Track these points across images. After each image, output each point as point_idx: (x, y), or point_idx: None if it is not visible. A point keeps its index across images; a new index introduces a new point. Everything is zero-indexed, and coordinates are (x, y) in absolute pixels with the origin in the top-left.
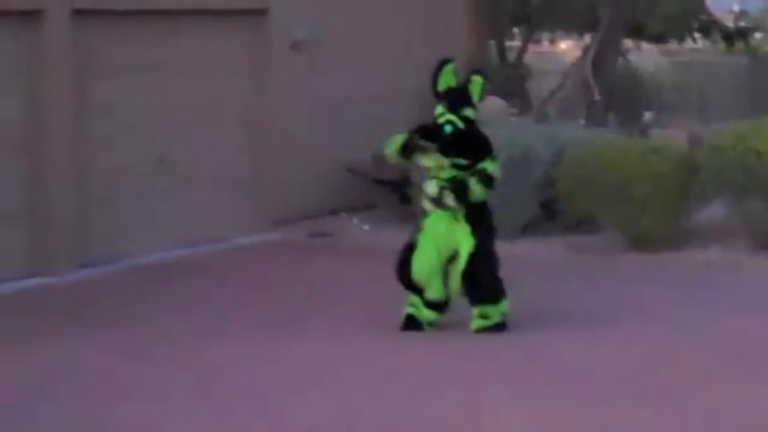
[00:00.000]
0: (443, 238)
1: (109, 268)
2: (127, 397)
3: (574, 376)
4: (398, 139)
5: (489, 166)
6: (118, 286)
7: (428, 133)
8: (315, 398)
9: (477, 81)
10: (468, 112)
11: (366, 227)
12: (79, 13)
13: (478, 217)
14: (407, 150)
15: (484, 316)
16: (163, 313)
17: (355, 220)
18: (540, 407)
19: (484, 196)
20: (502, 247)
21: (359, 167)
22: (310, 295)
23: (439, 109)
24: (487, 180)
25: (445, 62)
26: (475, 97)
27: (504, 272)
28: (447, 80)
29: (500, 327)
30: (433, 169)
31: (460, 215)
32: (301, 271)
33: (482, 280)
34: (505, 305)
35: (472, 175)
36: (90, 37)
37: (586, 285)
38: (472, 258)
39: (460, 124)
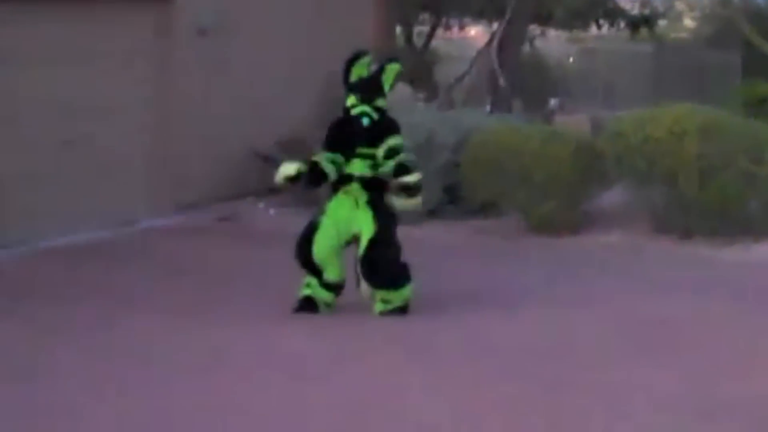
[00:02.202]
0: (344, 221)
1: (13, 252)
2: (25, 381)
3: (475, 355)
4: (289, 169)
5: (393, 141)
6: (21, 270)
7: (343, 127)
8: (210, 383)
9: (392, 68)
10: (380, 102)
11: (272, 211)
12: None
13: (380, 203)
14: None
15: (385, 301)
16: (67, 296)
17: (262, 205)
18: (437, 385)
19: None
20: (406, 231)
21: (266, 152)
22: (215, 279)
23: (352, 99)
24: (399, 163)
25: (359, 55)
26: (386, 86)
27: (409, 255)
28: (359, 71)
29: (402, 310)
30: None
31: (363, 200)
32: (206, 254)
33: (383, 266)
34: (407, 291)
35: (389, 156)
36: None
37: (488, 267)
38: (373, 243)
39: (375, 115)
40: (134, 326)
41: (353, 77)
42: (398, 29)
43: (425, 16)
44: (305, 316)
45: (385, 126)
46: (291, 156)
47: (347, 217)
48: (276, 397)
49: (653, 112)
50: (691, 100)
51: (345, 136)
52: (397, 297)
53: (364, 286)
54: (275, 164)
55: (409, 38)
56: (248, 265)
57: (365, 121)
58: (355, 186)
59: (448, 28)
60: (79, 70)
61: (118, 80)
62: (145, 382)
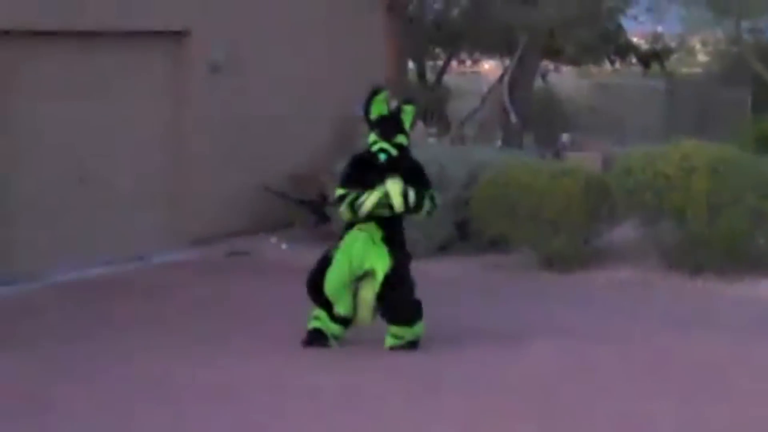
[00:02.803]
0: (358, 256)
1: (28, 287)
2: (44, 412)
3: (486, 391)
4: (345, 209)
5: (437, 195)
6: (36, 305)
7: (364, 163)
8: (226, 415)
9: (409, 110)
10: (401, 139)
11: (284, 246)
12: (1, 33)
13: (396, 240)
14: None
15: (397, 336)
16: (82, 331)
17: (273, 239)
18: (447, 420)
19: (425, 217)
20: (417, 267)
21: (277, 187)
22: (227, 314)
23: (372, 137)
24: (434, 205)
25: (376, 91)
26: (407, 125)
27: (419, 290)
28: (379, 108)
29: (412, 345)
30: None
31: (378, 237)
32: (220, 288)
33: (397, 302)
34: (419, 328)
35: (427, 194)
36: (11, 56)
37: (499, 303)
38: (388, 279)
39: (394, 152)
40: (149, 360)
41: (373, 114)
42: (411, 64)
43: (438, 50)
44: (317, 349)
45: (411, 168)
46: (303, 191)
47: (361, 253)
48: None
49: (663, 148)
50: (701, 135)
51: (362, 173)
52: (409, 333)
53: (363, 315)
54: (287, 199)
55: (421, 73)
56: (261, 298)
57: (382, 156)
58: (371, 223)
59: (461, 62)
60: (93, 105)
61: (133, 115)
62: (161, 415)
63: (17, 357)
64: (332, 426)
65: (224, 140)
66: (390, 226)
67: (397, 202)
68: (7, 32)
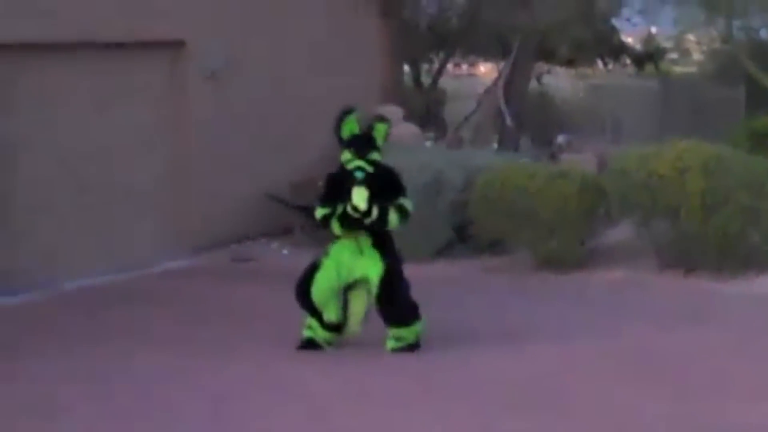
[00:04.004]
0: (346, 264)
1: (33, 295)
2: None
3: (485, 390)
4: (336, 226)
5: (406, 202)
6: (41, 312)
7: (338, 182)
8: (232, 419)
9: (380, 128)
10: (374, 155)
11: (285, 251)
12: (3, 46)
13: (385, 246)
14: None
15: (397, 338)
16: (87, 337)
17: (275, 245)
18: (449, 421)
19: (396, 226)
20: (416, 269)
21: (278, 194)
22: (230, 318)
23: (346, 155)
24: (404, 214)
25: (347, 111)
26: (379, 141)
27: (418, 292)
28: (351, 127)
29: (413, 347)
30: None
31: (367, 244)
32: (222, 294)
33: (394, 304)
34: (418, 327)
35: (392, 206)
36: (12, 68)
37: (495, 304)
38: (383, 282)
39: (369, 168)
40: (152, 365)
41: (345, 134)
42: (406, 68)
43: (433, 54)
44: (318, 353)
45: (388, 180)
46: (302, 198)
47: (350, 261)
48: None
49: (656, 148)
50: (696, 134)
51: (338, 191)
52: (409, 333)
53: (353, 329)
54: (288, 206)
55: (417, 77)
56: (262, 304)
57: (359, 174)
58: (361, 232)
59: (457, 65)
60: (93, 115)
61: (131, 124)
62: (162, 419)
63: (24, 364)
64: (332, 427)
65: (225, 148)
66: (378, 233)
67: (359, 201)
68: (7, 45)
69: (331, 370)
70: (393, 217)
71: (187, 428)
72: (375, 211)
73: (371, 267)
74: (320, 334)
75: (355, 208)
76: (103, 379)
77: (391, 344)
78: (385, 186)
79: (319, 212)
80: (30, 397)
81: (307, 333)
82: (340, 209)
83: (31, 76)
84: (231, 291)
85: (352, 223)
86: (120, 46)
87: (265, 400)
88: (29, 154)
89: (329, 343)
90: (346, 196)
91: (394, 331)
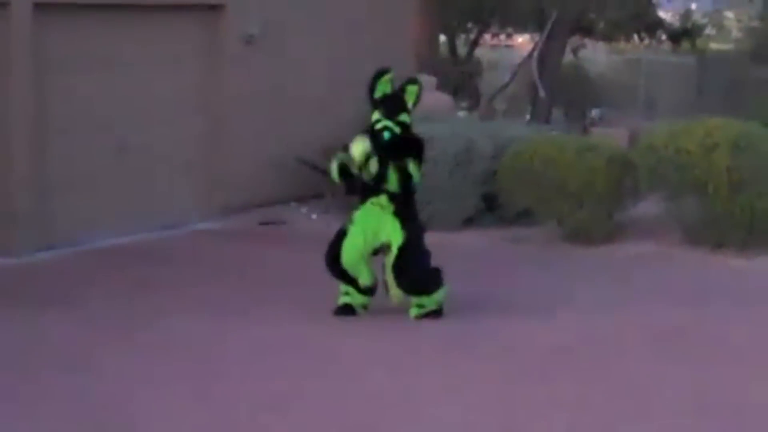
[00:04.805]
0: (372, 229)
1: (66, 252)
2: (80, 372)
3: (510, 357)
4: (334, 169)
5: (413, 168)
6: (75, 269)
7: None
8: (258, 379)
9: (412, 90)
10: (403, 117)
11: (314, 216)
12: (40, 7)
13: (406, 213)
14: (345, 173)
15: (420, 305)
16: (116, 294)
17: (304, 209)
18: (474, 387)
19: (396, 188)
20: (444, 238)
21: (309, 158)
22: (257, 279)
23: (376, 115)
24: (406, 177)
25: (382, 72)
26: (410, 104)
27: (445, 260)
28: (383, 88)
29: (436, 313)
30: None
31: (389, 210)
32: (251, 257)
33: (414, 272)
34: (440, 295)
35: (394, 165)
36: (50, 29)
37: (521, 274)
38: (402, 251)
39: (397, 129)
40: (182, 323)
41: (377, 93)
42: (443, 38)
43: (470, 25)
44: (349, 319)
45: (410, 144)
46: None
47: (375, 226)
48: (309, 391)
49: (686, 124)
50: (730, 112)
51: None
52: (430, 301)
53: (394, 291)
54: (319, 170)
55: (452, 47)
56: (289, 266)
57: (386, 135)
58: (383, 197)
59: (494, 35)
60: (131, 76)
61: (168, 87)
62: (196, 372)
63: (56, 316)
64: (365, 389)
65: (258, 112)
66: (400, 200)
67: (355, 150)
68: (46, 5)
69: (352, 334)
70: (393, 177)
71: (215, 380)
72: (373, 166)
73: (393, 233)
74: (357, 300)
75: (350, 156)
76: (133, 332)
77: (414, 312)
78: (408, 149)
79: (334, 163)
80: (62, 351)
81: (344, 299)
82: (342, 157)
83: (68, 36)
84: (259, 252)
85: (350, 176)
86: (160, 8)
87: (288, 357)
88: (65, 115)
89: (365, 307)
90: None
91: (415, 299)
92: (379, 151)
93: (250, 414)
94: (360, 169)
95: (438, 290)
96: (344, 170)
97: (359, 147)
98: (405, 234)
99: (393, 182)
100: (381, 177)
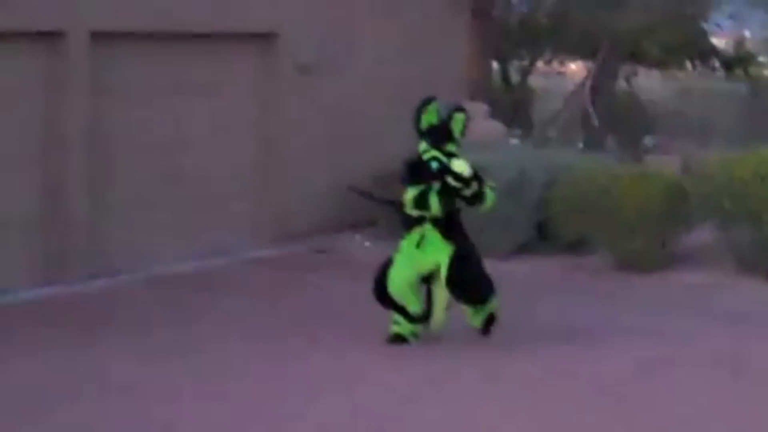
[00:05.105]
0: (417, 255)
1: (120, 280)
2: (138, 398)
3: (562, 388)
4: (434, 201)
5: (489, 190)
6: (131, 297)
7: (420, 168)
8: (317, 410)
9: (459, 119)
10: (451, 147)
11: (368, 244)
12: (97, 35)
13: (452, 231)
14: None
15: (476, 313)
16: (172, 322)
17: (358, 237)
18: (528, 418)
19: (491, 207)
20: (497, 266)
21: (362, 187)
22: (310, 308)
23: (423, 145)
24: (492, 196)
25: (427, 101)
26: (456, 133)
27: (498, 289)
28: (429, 118)
29: (491, 320)
30: None
31: (435, 236)
32: (304, 285)
33: (468, 280)
34: (494, 303)
35: (486, 184)
36: (107, 57)
37: (573, 303)
38: (454, 262)
39: (445, 160)
40: (236, 351)
41: (423, 124)
42: (495, 65)
43: (523, 53)
44: (397, 347)
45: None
46: (387, 191)
47: (420, 252)
48: (367, 418)
49: (740, 154)
50: None
51: (419, 177)
52: (485, 309)
53: (437, 316)
54: (372, 199)
55: (505, 75)
56: (342, 295)
57: (434, 164)
58: (428, 226)
59: (547, 62)
60: (185, 104)
61: (221, 114)
62: (252, 400)
63: (113, 345)
64: (407, 419)
65: (312, 140)
66: (447, 225)
67: (462, 168)
68: (102, 33)
69: (403, 362)
70: (490, 193)
71: (265, 410)
72: (475, 182)
73: (441, 253)
74: (407, 328)
75: (457, 178)
76: (193, 362)
77: (475, 321)
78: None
79: (410, 193)
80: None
81: (394, 328)
82: (437, 186)
83: (124, 65)
84: (311, 281)
85: (451, 197)
86: (213, 37)
87: (343, 388)
88: (121, 143)
89: (415, 335)
90: (437, 178)
91: (471, 311)
92: (430, 180)
93: None
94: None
95: (492, 296)
96: (445, 192)
97: (462, 164)
98: (453, 247)
99: (490, 199)
100: (481, 196)
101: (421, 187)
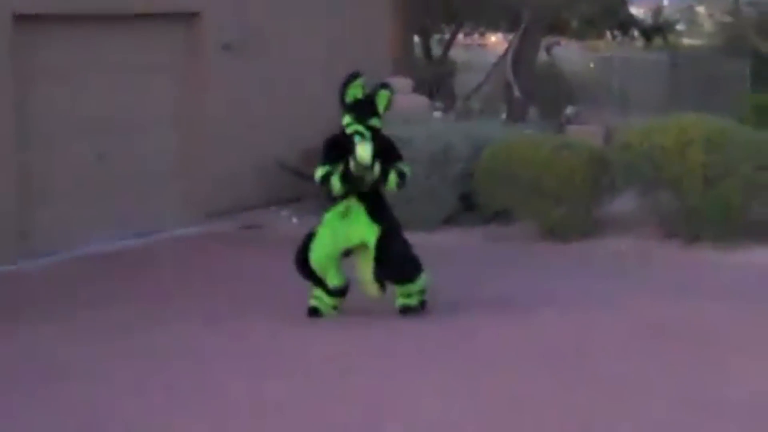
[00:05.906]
0: (341, 230)
1: (49, 260)
2: (66, 378)
3: (488, 356)
4: (336, 183)
5: (405, 167)
6: (58, 276)
7: (339, 145)
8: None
9: (383, 95)
10: (374, 122)
11: (295, 220)
12: (20, 18)
13: (379, 211)
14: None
15: (406, 295)
16: (102, 300)
17: (284, 213)
18: (454, 386)
19: (395, 188)
20: (422, 238)
21: (289, 162)
22: (238, 283)
23: (347, 119)
24: (402, 177)
25: (353, 76)
26: (380, 108)
27: (423, 261)
28: (354, 92)
29: (421, 305)
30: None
31: (360, 211)
32: (231, 261)
33: (395, 259)
34: (423, 281)
35: (393, 167)
36: (29, 40)
37: (501, 272)
38: (381, 242)
39: (367, 134)
40: (166, 328)
41: (348, 98)
42: (417, 39)
43: (443, 26)
44: (324, 319)
45: (383, 147)
46: (313, 167)
47: (345, 227)
48: (298, 392)
49: (661, 121)
50: (703, 108)
51: (339, 152)
52: (414, 288)
53: (371, 287)
54: (299, 175)
55: (427, 49)
56: (269, 270)
57: (357, 139)
58: (352, 199)
59: (468, 35)
60: (110, 84)
61: (148, 94)
62: (179, 377)
63: (40, 327)
64: (345, 390)
65: (237, 118)
66: (372, 200)
67: (364, 154)
68: (27, 16)
69: (335, 335)
70: (392, 177)
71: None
72: (377, 167)
73: (368, 232)
74: (326, 302)
75: (358, 164)
76: (118, 341)
77: (400, 302)
78: (383, 152)
79: (320, 171)
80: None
81: (312, 302)
82: (341, 167)
83: (48, 47)
84: (239, 257)
85: (353, 181)
86: (137, 17)
87: (269, 364)
88: (50, 123)
89: (335, 308)
90: (347, 157)
91: (401, 289)
92: (352, 153)
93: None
94: (357, 171)
95: (419, 275)
96: (347, 176)
97: (366, 149)
98: (380, 227)
99: (392, 182)
100: (384, 178)
101: (327, 168)
